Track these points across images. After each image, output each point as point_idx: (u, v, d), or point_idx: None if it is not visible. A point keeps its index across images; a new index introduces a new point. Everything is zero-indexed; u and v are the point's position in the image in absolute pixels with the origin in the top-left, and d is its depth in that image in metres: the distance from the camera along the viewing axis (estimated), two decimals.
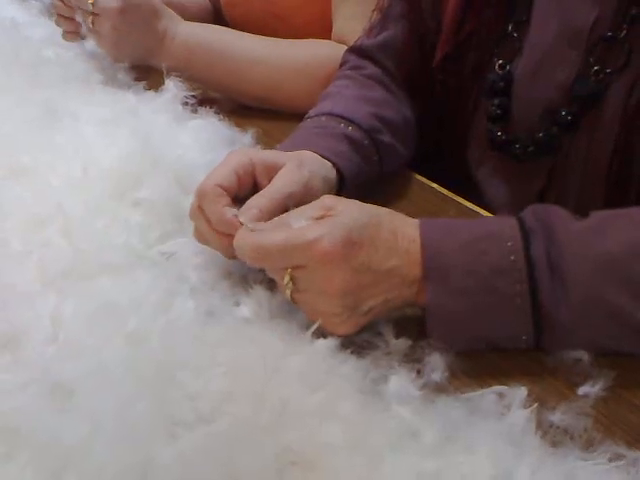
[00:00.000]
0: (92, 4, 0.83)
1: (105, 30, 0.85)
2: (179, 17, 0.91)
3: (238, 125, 0.80)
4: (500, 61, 0.66)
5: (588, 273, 0.46)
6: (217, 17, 1.18)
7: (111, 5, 0.83)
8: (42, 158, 0.59)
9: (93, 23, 0.83)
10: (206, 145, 0.71)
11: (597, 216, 0.49)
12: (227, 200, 0.52)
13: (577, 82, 0.61)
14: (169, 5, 1.09)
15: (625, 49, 0.58)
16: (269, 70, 0.89)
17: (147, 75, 0.90)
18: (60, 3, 0.92)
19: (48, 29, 0.97)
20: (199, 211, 0.53)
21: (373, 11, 0.79)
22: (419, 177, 0.76)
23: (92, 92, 0.78)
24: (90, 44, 0.88)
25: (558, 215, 0.49)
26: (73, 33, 0.92)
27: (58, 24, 0.94)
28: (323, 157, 0.61)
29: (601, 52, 0.59)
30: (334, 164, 0.62)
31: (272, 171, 0.55)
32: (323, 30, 0.95)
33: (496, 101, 0.66)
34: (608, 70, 0.59)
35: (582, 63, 0.60)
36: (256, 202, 0.52)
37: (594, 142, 0.60)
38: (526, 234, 0.48)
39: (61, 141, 0.62)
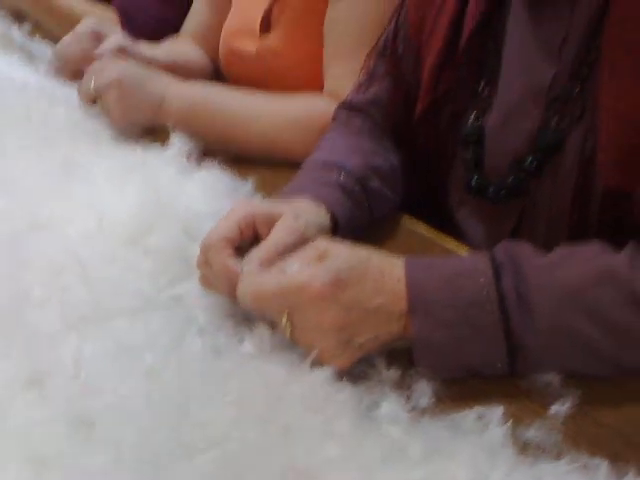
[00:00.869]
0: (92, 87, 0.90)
1: (110, 105, 0.92)
2: (175, 79, 0.98)
3: (239, 174, 0.85)
4: (473, 114, 0.72)
5: (552, 303, 0.52)
6: (217, 75, 1.25)
7: (109, 81, 0.91)
8: (60, 211, 0.65)
9: (97, 101, 0.91)
10: (210, 195, 0.77)
11: (560, 251, 0.56)
12: (230, 251, 0.58)
13: (540, 133, 0.66)
14: (174, 65, 1.18)
15: (579, 104, 0.64)
16: (266, 124, 0.95)
17: (153, 129, 0.96)
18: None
19: (57, 89, 1.03)
20: (205, 261, 0.59)
21: (361, 70, 0.86)
22: (406, 218, 0.81)
23: (102, 147, 0.84)
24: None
25: (525, 251, 0.55)
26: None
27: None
28: (318, 204, 0.67)
29: (559, 106, 0.65)
30: (328, 210, 0.68)
31: (271, 222, 0.61)
32: (315, 87, 1.01)
33: (471, 151, 0.72)
34: (566, 122, 0.65)
35: (543, 116, 0.66)
36: (257, 254, 0.57)
37: (557, 185, 0.66)
38: (497, 269, 0.53)
39: (77, 194, 0.68)
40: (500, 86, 0.71)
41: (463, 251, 0.73)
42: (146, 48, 1.15)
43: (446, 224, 0.79)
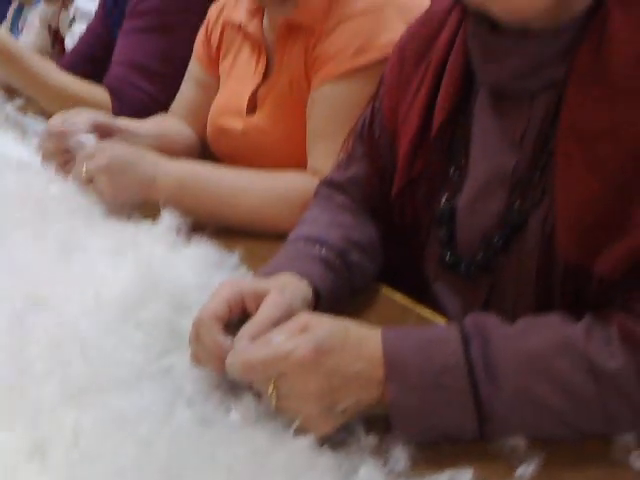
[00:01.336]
0: (84, 171, 0.95)
1: (102, 188, 0.96)
2: (164, 157, 1.03)
3: (226, 246, 0.90)
4: (445, 195, 0.78)
5: (516, 371, 0.57)
6: (204, 151, 1.31)
7: (100, 164, 0.95)
8: (58, 288, 0.69)
9: (90, 183, 0.96)
10: (198, 269, 0.81)
11: (523, 322, 0.61)
12: (220, 328, 0.62)
13: (505, 214, 0.72)
14: (159, 140, 1.23)
15: (539, 188, 0.70)
16: (253, 201, 1.01)
17: (143, 203, 1.01)
18: (48, 147, 1.04)
19: (51, 167, 1.08)
20: (196, 338, 0.63)
21: (340, 151, 0.93)
22: (385, 287, 0.86)
23: (97, 225, 0.89)
24: None
25: (492, 322, 0.61)
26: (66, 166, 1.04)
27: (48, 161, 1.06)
28: (301, 278, 0.72)
29: (522, 190, 0.71)
30: (311, 284, 0.73)
31: (259, 298, 0.65)
32: (299, 163, 1.07)
33: (443, 229, 0.77)
34: (528, 204, 0.70)
35: (508, 198, 0.72)
36: (248, 330, 0.62)
37: (522, 261, 0.71)
38: (466, 339, 0.58)
39: (74, 272, 0.72)
40: (469, 170, 0.77)
41: (438, 319, 0.78)
42: (131, 124, 1.20)
43: (423, 294, 0.84)
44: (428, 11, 0.86)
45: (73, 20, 1.96)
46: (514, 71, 0.70)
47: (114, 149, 1.00)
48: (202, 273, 0.80)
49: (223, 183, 1.02)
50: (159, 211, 0.92)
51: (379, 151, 0.87)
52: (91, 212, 0.94)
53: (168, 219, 0.90)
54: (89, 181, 0.98)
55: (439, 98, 0.78)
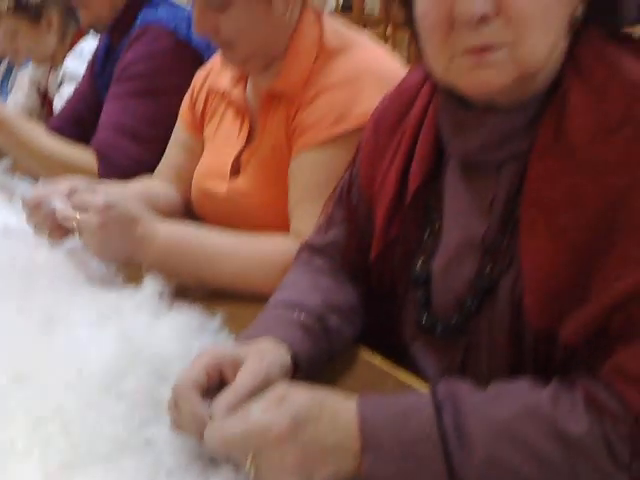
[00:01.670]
0: (75, 222, 0.97)
1: (90, 242, 0.98)
2: (155, 218, 1.04)
3: (208, 309, 0.91)
4: (421, 259, 0.81)
5: (486, 438, 0.59)
6: (188, 212, 1.34)
7: (92, 221, 0.96)
8: (41, 363, 0.70)
9: (79, 235, 0.97)
10: (180, 336, 0.83)
11: (494, 388, 0.63)
12: (198, 396, 0.64)
13: (477, 277, 0.75)
14: (142, 201, 1.25)
15: (508, 253, 0.73)
16: (236, 264, 1.03)
17: (127, 266, 1.03)
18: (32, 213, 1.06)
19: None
20: (175, 406, 0.64)
21: (320, 215, 0.95)
22: (363, 350, 0.88)
23: (80, 292, 0.90)
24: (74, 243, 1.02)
25: (464, 389, 0.63)
26: (57, 232, 1.05)
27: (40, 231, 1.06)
28: (280, 344, 0.74)
29: (492, 255, 0.74)
30: (289, 350, 0.75)
31: (237, 365, 0.67)
32: (282, 226, 1.10)
33: (420, 292, 0.80)
34: (498, 269, 0.73)
35: (479, 263, 0.75)
36: (224, 399, 0.63)
37: (494, 324, 0.73)
38: (438, 407, 0.61)
39: (56, 345, 0.73)
40: (443, 235, 0.80)
41: (415, 383, 0.80)
42: (114, 187, 1.23)
43: (402, 355, 0.86)
44: (401, 84, 0.90)
45: (62, 82, 2.00)
46: (481, 144, 0.74)
47: (108, 207, 0.99)
48: (183, 340, 0.82)
49: (207, 247, 1.04)
50: (142, 277, 0.93)
51: (357, 216, 0.90)
52: (75, 280, 0.95)
53: (151, 285, 0.91)
54: (78, 233, 0.99)
55: (413, 167, 0.81)
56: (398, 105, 0.86)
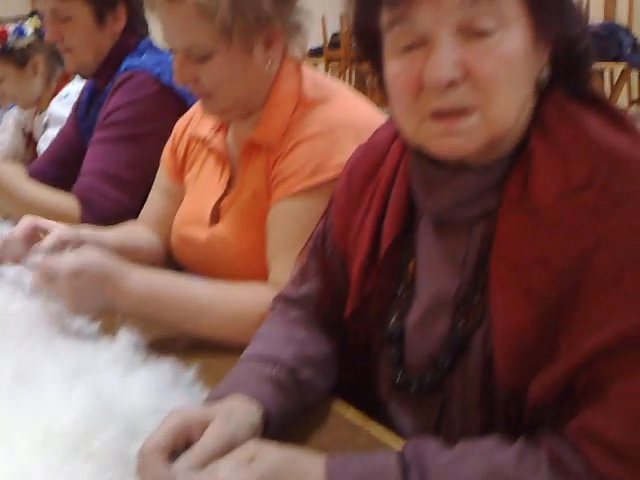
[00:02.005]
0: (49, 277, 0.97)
1: (63, 293, 0.97)
2: (130, 267, 1.03)
3: (184, 359, 0.91)
4: (395, 315, 0.81)
5: None
6: (169, 257, 1.34)
7: (63, 273, 0.96)
8: (10, 422, 0.69)
9: (51, 286, 0.97)
10: (154, 390, 0.82)
11: (461, 447, 0.64)
12: (163, 459, 0.64)
13: (450, 334, 0.75)
14: (122, 248, 1.26)
15: (480, 309, 0.73)
16: (214, 316, 1.03)
17: (103, 315, 1.02)
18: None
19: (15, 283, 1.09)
20: (142, 468, 0.64)
21: (295, 265, 0.96)
22: (337, 402, 0.87)
23: (54, 345, 0.90)
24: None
25: (431, 449, 0.63)
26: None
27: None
28: (251, 401, 0.74)
29: (464, 311, 0.75)
30: (261, 407, 0.74)
31: (205, 427, 0.67)
32: (260, 273, 1.10)
33: (393, 349, 0.80)
34: (470, 325, 0.74)
35: (452, 320, 0.75)
36: (185, 461, 0.63)
37: (466, 381, 0.73)
38: (405, 469, 0.61)
39: (25, 404, 0.72)
40: (416, 290, 0.80)
41: (388, 438, 0.79)
42: (95, 234, 1.23)
43: (378, 408, 0.85)
44: (373, 138, 0.91)
45: (47, 125, 2.02)
46: (451, 202, 0.75)
47: (83, 257, 1.00)
48: (157, 395, 0.81)
49: (183, 297, 1.04)
50: (117, 326, 0.93)
51: (331, 269, 0.90)
52: (50, 330, 0.95)
53: (126, 337, 0.91)
54: (51, 285, 0.99)
55: (386, 222, 0.82)
56: (370, 159, 0.88)
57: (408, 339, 0.79)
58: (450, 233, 0.77)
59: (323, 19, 5.63)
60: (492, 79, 0.66)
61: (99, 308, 1.01)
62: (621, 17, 5.20)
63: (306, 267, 0.94)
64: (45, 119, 2.04)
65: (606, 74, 5.09)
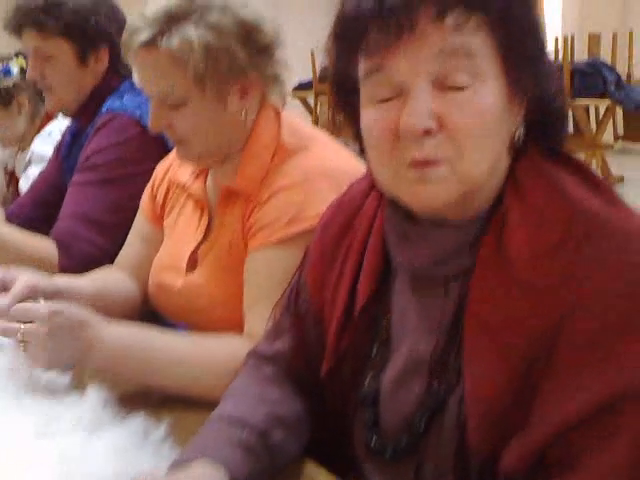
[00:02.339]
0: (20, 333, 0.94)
1: (36, 351, 0.95)
2: (104, 321, 1.01)
3: (154, 414, 0.89)
4: (369, 376, 0.79)
5: None
6: (146, 303, 1.31)
7: (39, 331, 0.94)
8: None
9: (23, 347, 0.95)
10: (122, 450, 0.80)
11: None
12: None
13: (425, 396, 0.73)
14: (98, 295, 1.24)
15: (455, 370, 0.72)
16: (187, 371, 1.01)
17: (72, 371, 1.00)
18: None
19: None
20: None
21: (269, 319, 0.94)
22: (309, 463, 0.85)
23: (21, 402, 0.88)
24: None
25: None
26: None
27: None
28: (218, 467, 0.72)
29: (439, 372, 0.73)
30: (227, 474, 0.72)
31: None
32: (237, 324, 1.08)
33: (368, 412, 0.78)
34: (445, 387, 0.72)
35: (427, 381, 0.74)
36: None
37: (441, 444, 0.72)
38: None
39: None
40: (392, 349, 0.78)
41: None
42: (71, 282, 1.20)
43: (351, 467, 0.83)
44: (348, 191, 0.90)
45: (29, 163, 2.01)
46: (427, 259, 0.74)
47: (53, 316, 0.97)
48: (124, 456, 0.79)
49: (157, 351, 1.02)
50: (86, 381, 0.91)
51: (305, 326, 0.88)
52: (18, 385, 0.93)
53: (94, 394, 0.89)
54: (23, 343, 0.97)
55: (361, 278, 0.81)
56: (344, 214, 0.86)
57: (383, 401, 0.77)
58: (426, 290, 0.76)
59: (312, 53, 5.69)
60: (465, 132, 0.67)
61: (70, 362, 0.99)
62: (605, 54, 5.28)
63: (280, 323, 0.92)
64: (27, 157, 2.03)
65: (591, 110, 5.14)
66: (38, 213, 1.76)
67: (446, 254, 0.73)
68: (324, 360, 0.83)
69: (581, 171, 0.73)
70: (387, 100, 0.69)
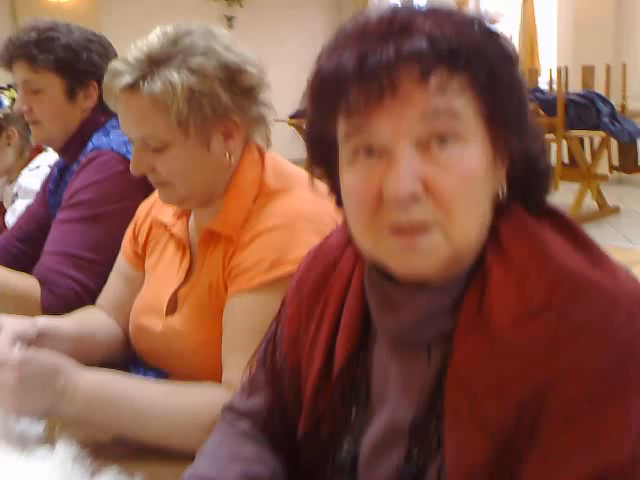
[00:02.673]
0: None
1: (6, 399, 0.92)
2: (79, 368, 0.99)
3: (128, 468, 0.86)
4: (347, 440, 0.76)
5: None
6: (128, 344, 1.28)
7: (9, 378, 0.91)
8: None
9: None
10: None
11: None
12: None
13: (404, 462, 0.70)
14: (81, 337, 1.22)
15: (435, 439, 0.69)
16: (163, 422, 0.98)
17: (44, 421, 0.97)
18: None
19: None
20: None
21: (244, 372, 0.91)
22: None
23: None
24: None
25: None
26: None
27: None
28: None
29: (419, 440, 0.70)
30: None
31: None
32: (217, 370, 1.05)
33: (346, 479, 0.75)
34: (425, 454, 0.69)
35: (406, 449, 0.70)
36: None
37: None
38: None
39: None
40: (371, 414, 0.75)
41: None
42: (52, 325, 1.17)
43: None
44: (325, 243, 0.87)
45: (16, 196, 2.00)
46: (408, 323, 0.70)
47: (25, 363, 0.95)
48: None
49: (132, 400, 0.99)
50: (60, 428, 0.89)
51: (281, 382, 0.85)
52: None
53: (65, 447, 0.86)
54: None
55: (339, 338, 0.77)
56: (321, 266, 0.83)
57: (361, 468, 0.74)
58: (407, 353, 0.72)
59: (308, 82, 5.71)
60: (453, 195, 0.64)
61: (42, 410, 0.96)
62: (599, 86, 5.32)
63: (255, 378, 0.89)
64: (15, 190, 2.02)
65: (586, 141, 5.16)
66: (23, 249, 1.74)
67: (428, 318, 0.70)
68: (301, 419, 0.80)
69: (566, 227, 0.70)
70: (368, 162, 0.66)
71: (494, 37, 0.67)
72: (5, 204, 2.16)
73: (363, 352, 0.77)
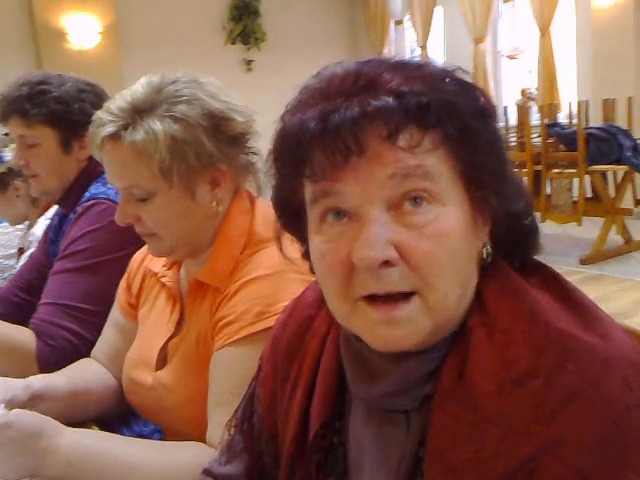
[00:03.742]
0: None
1: None
2: (61, 428, 0.97)
3: None
4: None
5: None
6: (124, 396, 1.24)
7: None
8: None
9: None
10: None
11: None
12: None
13: None
14: (76, 391, 1.19)
15: None
16: (144, 477, 0.94)
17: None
18: None
19: None
20: None
21: (224, 434, 0.86)
22: None
23: None
24: None
25: None
26: None
27: None
28: None
29: None
30: None
31: None
32: (204, 425, 1.02)
33: None
34: None
35: None
36: None
37: None
38: None
39: None
40: None
41: None
42: (44, 384, 1.15)
43: None
44: (299, 301, 0.82)
45: (29, 244, 2.00)
46: (386, 390, 0.66)
47: (5, 427, 0.92)
48: None
49: (113, 461, 0.96)
50: None
51: (260, 447, 0.81)
52: None
53: None
54: None
55: (314, 404, 0.72)
56: (296, 325, 0.79)
57: None
58: (385, 421, 0.67)
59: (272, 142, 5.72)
60: (429, 260, 0.59)
61: (23, 473, 0.93)
62: (620, 119, 5.24)
63: (233, 442, 0.84)
64: (30, 238, 2.02)
65: (610, 175, 5.07)
66: (25, 297, 1.73)
67: (407, 385, 0.65)
68: None
69: (556, 284, 0.65)
70: (337, 227, 0.61)
71: (467, 90, 0.63)
72: (25, 250, 2.17)
73: (340, 416, 0.72)
